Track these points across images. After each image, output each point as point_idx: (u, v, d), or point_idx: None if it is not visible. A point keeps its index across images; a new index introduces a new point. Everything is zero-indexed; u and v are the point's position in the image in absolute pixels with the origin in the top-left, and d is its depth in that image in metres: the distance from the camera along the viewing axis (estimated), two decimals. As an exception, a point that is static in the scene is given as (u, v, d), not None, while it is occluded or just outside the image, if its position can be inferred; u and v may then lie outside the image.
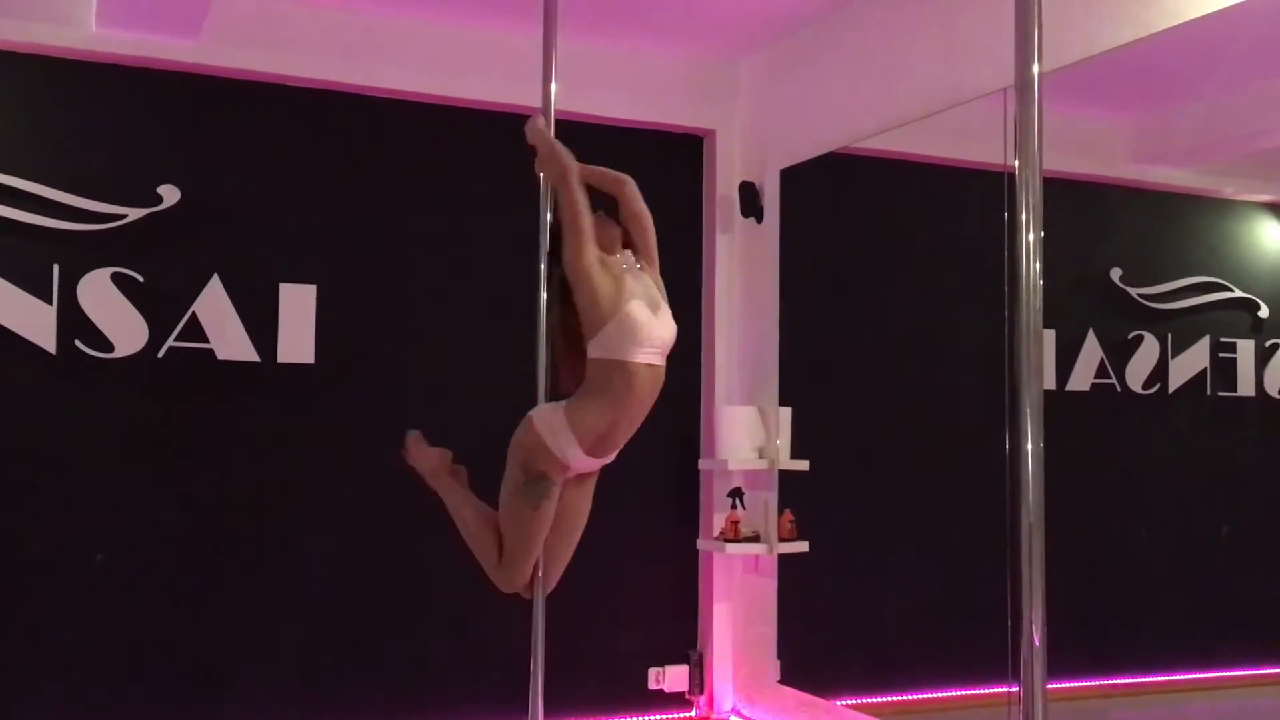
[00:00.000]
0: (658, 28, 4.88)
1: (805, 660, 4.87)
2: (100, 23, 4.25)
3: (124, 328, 4.34)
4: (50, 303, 4.26)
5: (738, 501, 4.98)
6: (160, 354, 4.40)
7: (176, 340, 4.42)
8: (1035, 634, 2.06)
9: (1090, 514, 4.01)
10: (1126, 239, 4.25)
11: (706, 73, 5.26)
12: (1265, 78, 3.58)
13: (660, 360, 3.01)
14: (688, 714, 5.16)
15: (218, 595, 4.48)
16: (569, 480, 2.98)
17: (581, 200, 2.98)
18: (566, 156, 3.02)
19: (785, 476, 4.90)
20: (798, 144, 4.94)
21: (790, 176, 5.02)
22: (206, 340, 4.45)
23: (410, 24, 4.73)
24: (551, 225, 3.12)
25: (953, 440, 4.46)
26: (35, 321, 4.23)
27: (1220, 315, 4.05)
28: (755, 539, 4.94)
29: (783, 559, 4.90)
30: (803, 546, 4.86)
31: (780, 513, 4.88)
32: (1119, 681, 4.10)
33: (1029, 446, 2.11)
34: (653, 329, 2.95)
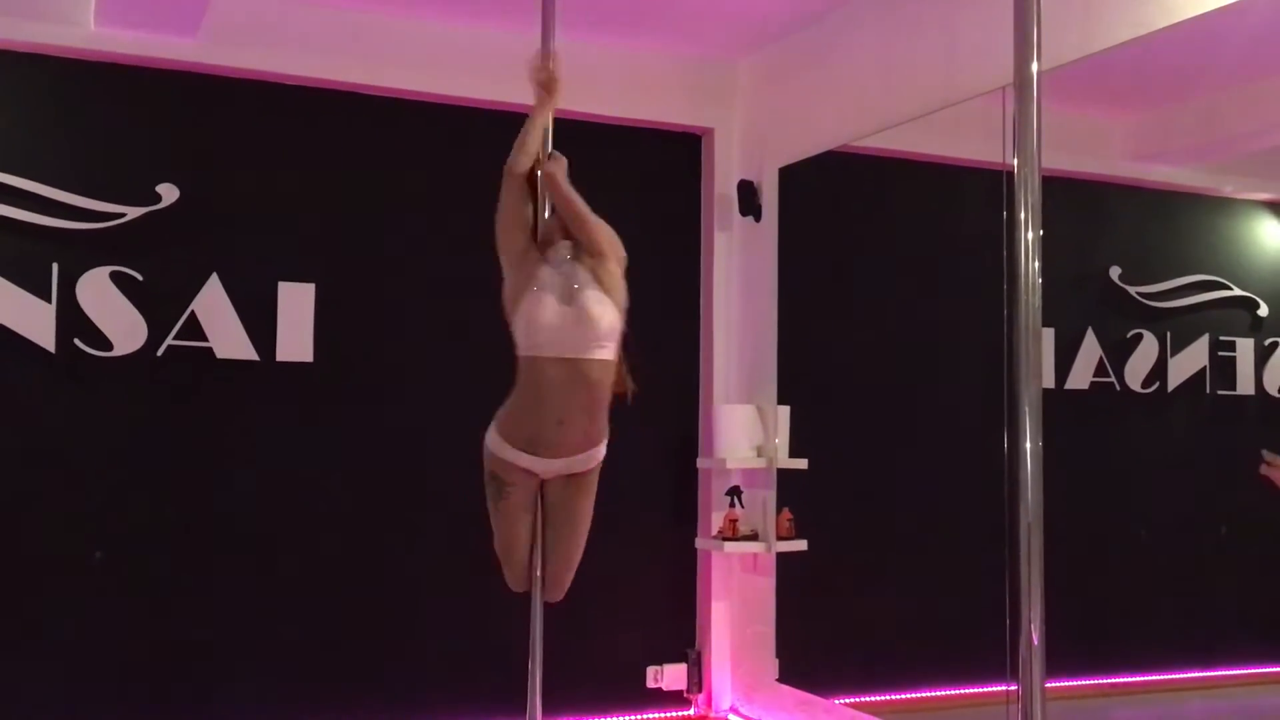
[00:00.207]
0: (656, 26, 4.87)
1: (804, 659, 4.87)
2: (99, 22, 4.25)
3: (123, 326, 4.34)
4: (49, 301, 4.26)
5: (736, 500, 4.98)
6: (159, 353, 4.40)
7: (175, 339, 4.41)
8: (1034, 632, 2.06)
9: (1089, 513, 4.01)
10: (1125, 237, 4.25)
11: (705, 71, 5.26)
12: (1264, 76, 3.58)
13: (580, 354, 2.82)
14: (686, 713, 5.16)
15: (217, 594, 4.48)
16: (552, 480, 2.96)
17: (507, 193, 2.99)
18: (518, 150, 2.98)
19: (783, 475, 4.90)
20: (796, 142, 4.94)
21: (789, 175, 5.02)
22: (205, 339, 4.45)
23: (409, 23, 4.73)
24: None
25: (951, 439, 4.46)
26: (34, 320, 4.23)
27: (1219, 314, 4.05)
28: (753, 537, 4.94)
29: (781, 557, 4.90)
30: (801, 545, 4.86)
31: (778, 511, 4.88)
32: (1118, 680, 4.10)
33: (1028, 445, 2.11)
34: (556, 323, 2.81)
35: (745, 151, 5.26)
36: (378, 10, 4.66)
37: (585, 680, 4.86)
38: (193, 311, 4.43)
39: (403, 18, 4.71)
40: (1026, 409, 2.12)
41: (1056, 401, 3.61)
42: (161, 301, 4.40)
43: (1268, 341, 3.96)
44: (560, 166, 2.99)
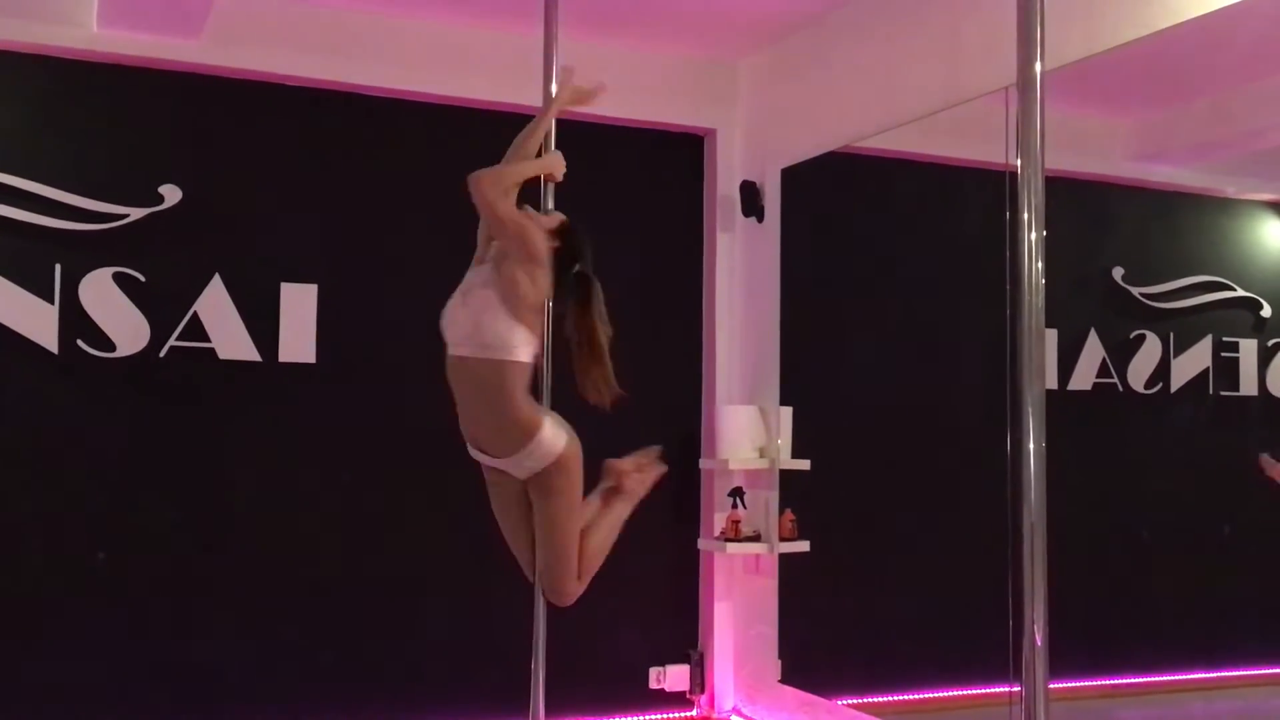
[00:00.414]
0: (658, 27, 4.87)
1: (806, 660, 4.87)
2: (101, 23, 4.25)
3: (126, 327, 4.34)
4: (52, 302, 4.26)
5: (738, 501, 4.98)
6: (162, 353, 4.40)
7: (178, 340, 4.42)
8: (1037, 633, 2.06)
9: (1092, 514, 4.01)
10: (1128, 238, 4.24)
11: (707, 72, 5.26)
12: (1267, 76, 3.57)
13: (471, 353, 2.83)
14: (688, 713, 5.16)
15: (219, 594, 4.48)
16: (528, 480, 2.95)
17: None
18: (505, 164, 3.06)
19: (786, 476, 4.90)
20: (799, 143, 4.94)
21: (791, 176, 5.02)
22: (208, 340, 4.45)
23: (412, 24, 4.73)
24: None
25: (954, 440, 4.46)
26: (37, 321, 4.24)
27: (1222, 314, 4.05)
28: (756, 538, 4.94)
29: (783, 558, 4.90)
30: (803, 546, 4.86)
31: (781, 512, 4.87)
32: (1121, 681, 4.10)
33: (1031, 446, 2.11)
34: (450, 321, 2.88)
35: (748, 152, 5.26)
36: (380, 11, 4.66)
37: (588, 681, 4.85)
38: (195, 312, 4.44)
39: (406, 19, 4.71)
40: (1029, 410, 2.12)
41: (1059, 402, 3.60)
42: (164, 302, 4.40)
43: (1271, 342, 3.95)
44: (489, 171, 2.94)
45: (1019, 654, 2.09)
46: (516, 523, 3.03)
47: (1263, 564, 3.94)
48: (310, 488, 4.63)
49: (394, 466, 4.76)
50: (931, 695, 4.49)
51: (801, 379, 4.95)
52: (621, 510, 3.15)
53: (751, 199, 5.15)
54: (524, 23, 3.95)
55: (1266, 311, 3.97)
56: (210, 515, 4.50)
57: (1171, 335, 4.12)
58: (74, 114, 4.41)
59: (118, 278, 4.35)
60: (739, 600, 5.17)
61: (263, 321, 4.54)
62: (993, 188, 3.60)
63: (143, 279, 4.39)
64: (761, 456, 4.95)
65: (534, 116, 3.16)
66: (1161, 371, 4.13)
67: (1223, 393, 4.05)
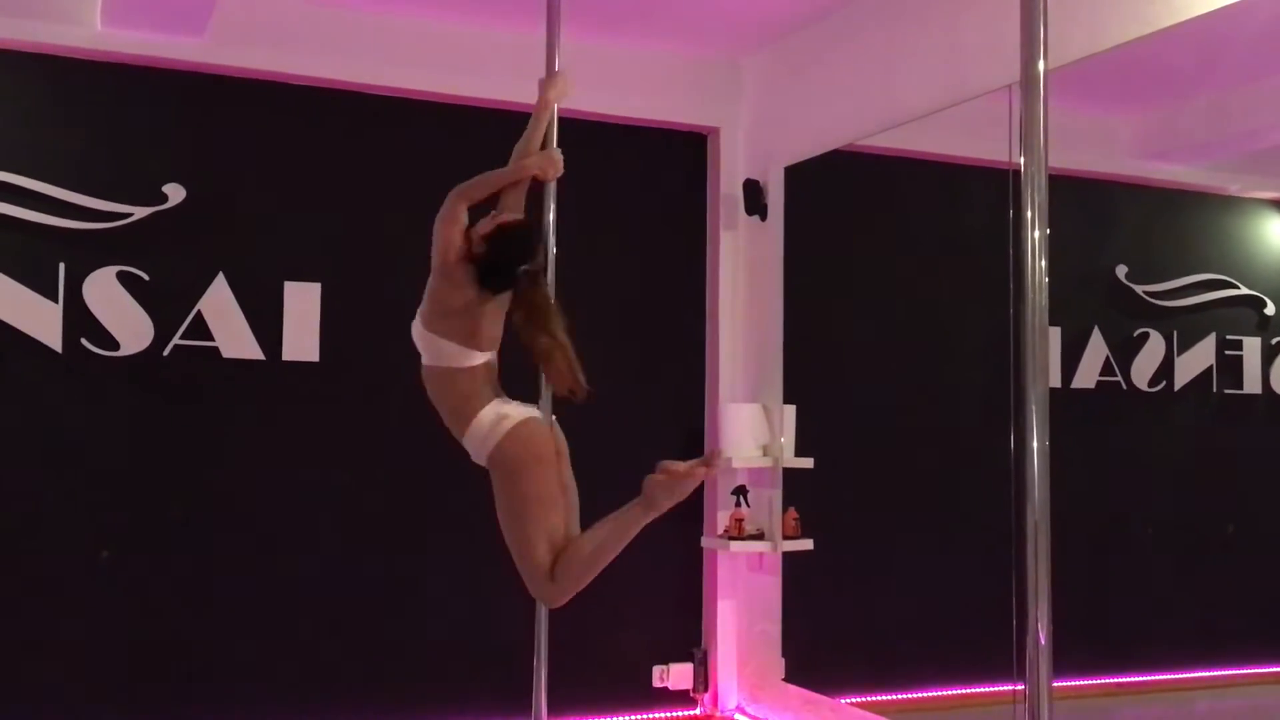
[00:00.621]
0: (661, 26, 4.87)
1: (810, 658, 4.87)
2: (105, 22, 4.26)
3: (129, 326, 4.35)
4: (56, 301, 4.27)
5: (742, 499, 4.98)
6: (165, 352, 4.41)
7: (182, 338, 4.42)
8: (1041, 632, 2.06)
9: (1096, 512, 4.01)
10: (1132, 236, 4.24)
11: (710, 70, 5.25)
12: (1270, 74, 3.57)
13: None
14: (692, 712, 5.16)
15: (222, 592, 4.49)
16: None
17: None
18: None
19: (789, 474, 4.89)
20: (802, 141, 4.94)
21: (794, 174, 5.02)
22: (212, 338, 4.46)
23: (415, 22, 4.73)
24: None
25: (957, 438, 4.46)
26: (41, 320, 4.24)
27: (1226, 312, 4.04)
28: (759, 537, 4.94)
29: (787, 557, 4.90)
30: (807, 544, 4.86)
31: (784, 510, 4.87)
32: (1125, 680, 4.10)
33: (1034, 444, 2.11)
34: None
35: (751, 151, 5.26)
36: (384, 10, 4.66)
37: (591, 680, 4.86)
38: (199, 311, 4.44)
39: (409, 17, 4.71)
40: (1033, 408, 2.11)
41: (1063, 400, 3.60)
42: (168, 301, 4.41)
43: (1275, 340, 3.95)
44: (462, 184, 3.13)
45: (1022, 652, 2.09)
46: None
47: (1266, 562, 3.94)
48: (313, 486, 4.64)
49: (397, 465, 4.76)
50: (935, 694, 4.49)
51: (805, 377, 4.95)
52: (628, 516, 2.91)
53: (754, 197, 5.15)
54: (527, 21, 3.95)
55: (1270, 309, 3.96)
56: (213, 514, 4.50)
57: (1175, 333, 4.11)
58: (78, 113, 4.41)
59: (122, 276, 4.35)
60: (742, 599, 5.17)
61: (266, 320, 4.54)
62: (996, 186, 3.60)
63: (146, 278, 4.39)
64: (765, 455, 4.95)
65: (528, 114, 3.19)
66: (1165, 369, 4.12)
67: (1226, 391, 4.04)
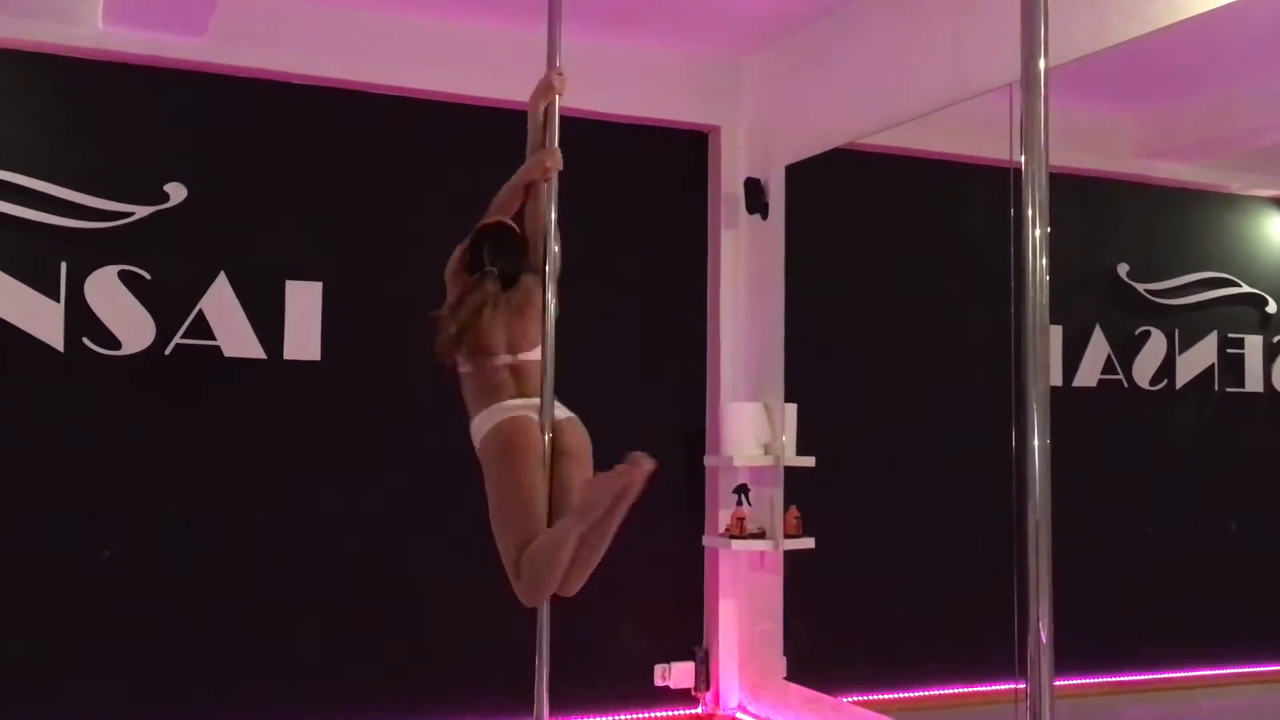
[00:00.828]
0: (662, 24, 4.87)
1: (811, 657, 4.87)
2: (107, 21, 4.26)
3: (131, 325, 4.35)
4: (58, 300, 4.27)
5: (743, 498, 4.98)
6: (167, 351, 4.41)
7: (183, 337, 4.42)
8: (1042, 630, 2.06)
9: (1097, 510, 4.00)
10: (1133, 234, 4.24)
11: (711, 69, 5.25)
12: (1271, 72, 3.57)
13: None
14: (693, 711, 5.16)
15: (223, 591, 4.49)
16: None
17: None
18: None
19: (791, 473, 4.90)
20: (803, 140, 4.93)
21: (795, 173, 5.02)
22: (213, 337, 4.46)
23: (415, 21, 4.73)
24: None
25: (959, 436, 4.46)
26: (43, 319, 4.25)
27: (1228, 310, 4.04)
28: (761, 535, 4.94)
29: (788, 555, 4.90)
30: (808, 543, 4.86)
31: (786, 509, 4.88)
32: (1126, 678, 4.09)
33: (1035, 442, 2.10)
34: None
35: (752, 149, 5.26)
36: (385, 9, 4.66)
37: (592, 678, 4.86)
38: (200, 310, 4.44)
39: (410, 16, 4.71)
40: (1034, 406, 2.11)
41: (1064, 399, 3.60)
42: (169, 300, 4.41)
43: (1276, 338, 3.95)
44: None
45: (1024, 651, 2.09)
46: None
47: (1267, 560, 3.94)
48: (315, 485, 4.64)
49: (398, 464, 4.76)
50: (936, 692, 4.49)
51: (806, 375, 4.95)
52: (564, 523, 2.83)
53: (756, 196, 5.15)
54: (528, 20, 3.94)
55: (1272, 307, 3.96)
56: (215, 512, 4.51)
57: (1176, 331, 4.11)
58: (79, 112, 4.42)
59: (123, 276, 4.36)
60: (744, 597, 5.17)
61: (268, 319, 4.54)
62: (997, 184, 3.60)
63: (148, 277, 4.39)
64: (766, 453, 4.95)
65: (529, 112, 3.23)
66: (1167, 368, 4.12)
67: (1228, 389, 4.04)
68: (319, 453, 4.66)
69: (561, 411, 3.05)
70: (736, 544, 4.93)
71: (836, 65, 4.78)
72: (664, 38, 5.02)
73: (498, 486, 2.94)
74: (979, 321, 4.31)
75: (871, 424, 4.84)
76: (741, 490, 4.99)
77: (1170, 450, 4.20)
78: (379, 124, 4.82)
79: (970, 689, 4.37)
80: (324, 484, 4.65)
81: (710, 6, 4.71)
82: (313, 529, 4.62)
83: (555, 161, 3.15)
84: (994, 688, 3.88)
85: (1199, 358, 4.09)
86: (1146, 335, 4.13)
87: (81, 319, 4.30)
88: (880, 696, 4.55)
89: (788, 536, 4.86)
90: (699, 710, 5.16)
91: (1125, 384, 4.14)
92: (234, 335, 4.48)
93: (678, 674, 5.14)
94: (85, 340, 4.30)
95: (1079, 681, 3.84)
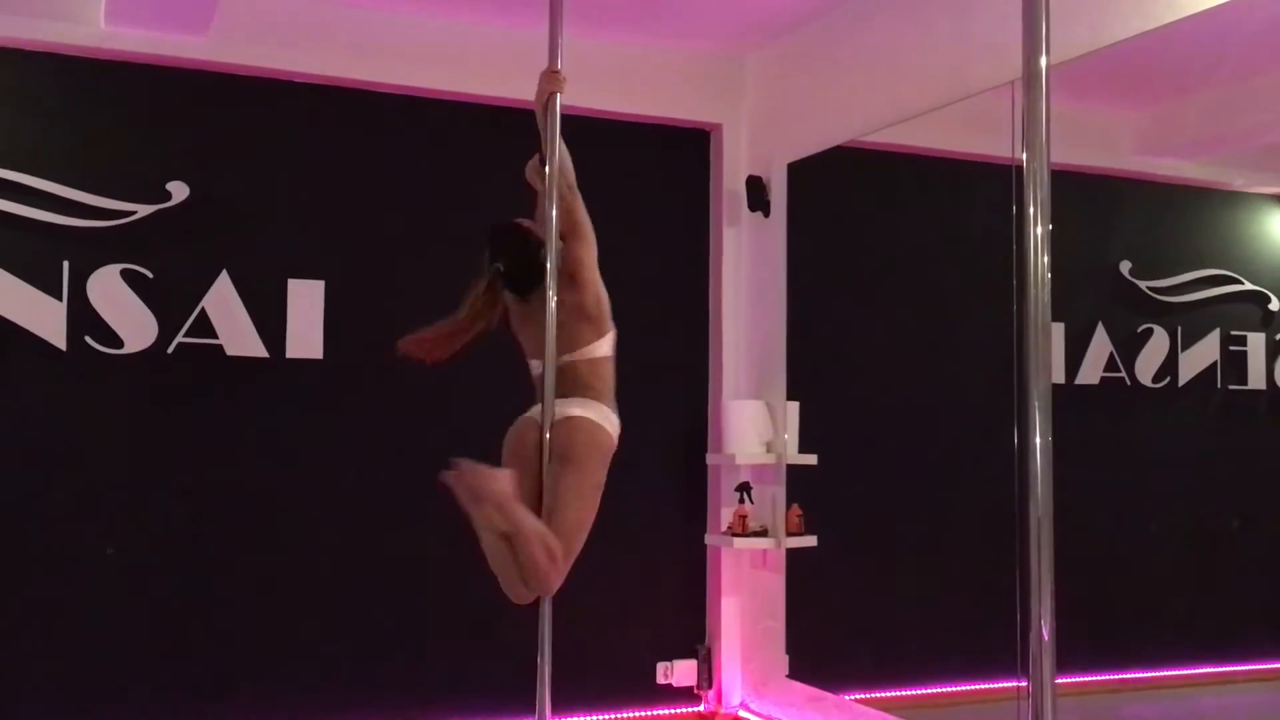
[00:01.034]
0: (664, 22, 4.87)
1: (814, 655, 4.87)
2: (109, 20, 4.26)
3: (133, 324, 4.36)
4: (60, 299, 4.28)
5: (745, 496, 4.98)
6: (169, 350, 4.41)
7: (186, 336, 4.43)
8: (1044, 628, 2.06)
9: (1099, 508, 4.00)
10: (1135, 232, 4.23)
11: (713, 67, 5.25)
12: (1275, 68, 3.56)
13: None
14: (696, 709, 5.16)
15: (225, 590, 4.50)
16: None
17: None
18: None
19: (793, 471, 4.89)
20: (804, 138, 4.93)
21: (797, 170, 5.02)
22: (215, 336, 4.47)
23: (417, 20, 4.73)
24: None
25: (961, 434, 4.45)
26: (45, 318, 4.25)
27: (1230, 308, 4.04)
28: (763, 533, 4.94)
29: (791, 553, 4.90)
30: (811, 541, 4.86)
31: (788, 507, 4.87)
32: (1129, 676, 4.09)
33: (1037, 440, 2.10)
34: None
35: (754, 147, 5.26)
36: (386, 7, 4.66)
37: (595, 676, 4.87)
38: (203, 309, 4.45)
39: (412, 15, 4.71)
40: (1036, 404, 2.11)
41: (1066, 396, 3.60)
42: (172, 299, 4.41)
43: (1279, 336, 3.94)
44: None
45: (1026, 649, 2.09)
46: None
47: (1270, 558, 3.94)
48: (317, 483, 4.64)
49: (401, 462, 4.76)
50: (939, 690, 4.49)
51: (808, 373, 4.95)
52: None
53: (757, 194, 5.15)
54: (530, 18, 3.95)
55: (1274, 305, 3.95)
56: (217, 511, 4.51)
57: (1179, 329, 4.11)
58: (81, 111, 4.42)
59: (125, 274, 4.36)
60: (746, 595, 5.17)
61: (270, 318, 4.55)
62: (998, 182, 3.60)
63: (150, 276, 4.40)
64: (768, 451, 4.95)
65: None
66: (1169, 365, 4.12)
67: (1231, 386, 4.04)
68: (321, 451, 4.66)
69: (574, 409, 3.02)
70: (739, 542, 4.93)
71: (838, 63, 4.78)
72: (665, 36, 5.02)
73: (592, 483, 2.98)
74: (981, 319, 4.30)
75: (874, 422, 4.83)
76: (743, 488, 4.99)
77: (1172, 448, 4.20)
78: (382, 122, 4.82)
79: (972, 687, 4.37)
80: (326, 482, 4.66)
81: (712, 4, 4.70)
82: (315, 527, 4.63)
83: (552, 80, 3.12)
84: (996, 685, 3.88)
85: (1201, 355, 4.08)
86: (1149, 333, 4.13)
87: (84, 318, 4.30)
88: (882, 694, 4.55)
89: (790, 534, 4.86)
90: (701, 708, 5.16)
91: (1128, 382, 4.14)
92: (236, 334, 4.49)
93: (680, 672, 5.15)
94: (87, 339, 4.30)
95: (1081, 679, 3.84)
